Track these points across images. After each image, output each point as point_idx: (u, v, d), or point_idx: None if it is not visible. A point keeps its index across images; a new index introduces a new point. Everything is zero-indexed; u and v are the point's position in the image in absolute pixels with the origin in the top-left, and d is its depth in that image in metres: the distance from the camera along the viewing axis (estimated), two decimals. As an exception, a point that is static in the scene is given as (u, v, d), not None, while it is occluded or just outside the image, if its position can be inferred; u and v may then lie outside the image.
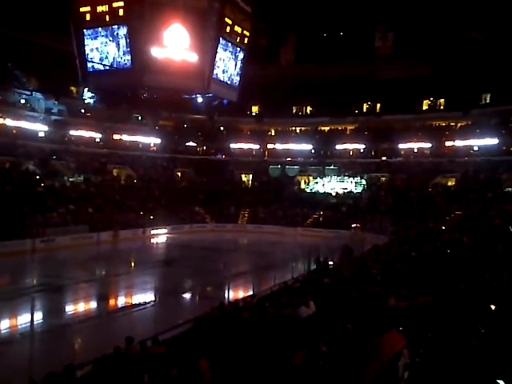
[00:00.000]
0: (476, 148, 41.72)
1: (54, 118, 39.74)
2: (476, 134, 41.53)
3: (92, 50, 29.01)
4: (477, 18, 40.78)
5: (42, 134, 39.07)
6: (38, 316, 15.68)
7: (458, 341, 5.50)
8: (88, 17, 26.60)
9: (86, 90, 38.79)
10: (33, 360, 10.47)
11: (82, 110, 42.56)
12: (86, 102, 41.64)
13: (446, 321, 6.32)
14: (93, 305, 17.87)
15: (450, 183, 40.87)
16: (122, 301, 18.45)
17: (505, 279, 8.45)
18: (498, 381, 4.30)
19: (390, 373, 5.04)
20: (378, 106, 47.86)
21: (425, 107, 46.23)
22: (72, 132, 41.21)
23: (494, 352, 5.06)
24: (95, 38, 28.51)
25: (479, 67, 39.64)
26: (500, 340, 5.42)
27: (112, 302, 18.33)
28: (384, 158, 45.70)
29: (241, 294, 17.10)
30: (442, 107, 45.50)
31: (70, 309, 17.12)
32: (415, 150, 45.30)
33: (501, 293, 7.43)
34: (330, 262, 18.32)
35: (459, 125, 44.74)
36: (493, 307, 6.65)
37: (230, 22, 31.51)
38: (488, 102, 42.32)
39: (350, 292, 9.51)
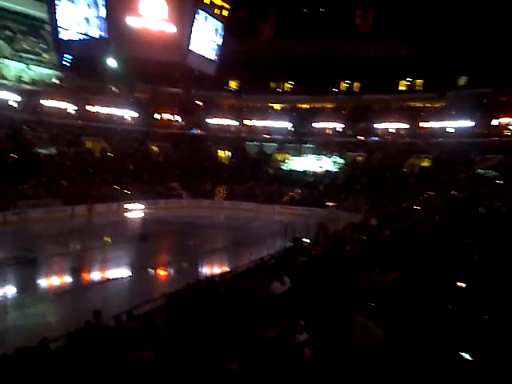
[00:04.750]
0: (451, 130, 42.41)
1: (25, 86, 38.41)
2: (451, 115, 42.15)
3: (66, 17, 28.08)
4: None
5: (12, 104, 37.86)
6: (11, 289, 15.55)
7: (427, 318, 5.68)
8: (62, -17, 25.66)
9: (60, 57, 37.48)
10: (6, 334, 10.39)
11: (55, 80, 41.27)
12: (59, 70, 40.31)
13: (415, 297, 6.50)
14: (67, 278, 17.70)
15: (424, 164, 41.57)
16: (96, 275, 18.31)
17: (475, 258, 8.69)
18: (463, 354, 4.47)
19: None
20: (356, 85, 47.94)
21: (402, 88, 46.55)
22: (44, 102, 40.03)
23: (460, 327, 5.25)
24: (69, 5, 27.57)
25: (456, 49, 40.03)
26: (467, 316, 5.61)
27: (86, 275, 18.18)
28: (361, 138, 46.03)
29: (217, 270, 17.21)
30: (418, 88, 45.89)
31: (43, 282, 16.96)
32: (391, 130, 45.76)
33: (470, 271, 7.65)
34: (306, 240, 18.53)
35: (435, 106, 45.29)
36: (462, 285, 6.85)
37: (209, -7, 30.92)
38: (464, 84, 42.88)
39: (324, 269, 9.65)
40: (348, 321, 5.25)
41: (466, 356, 4.51)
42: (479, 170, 34.30)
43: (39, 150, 35.91)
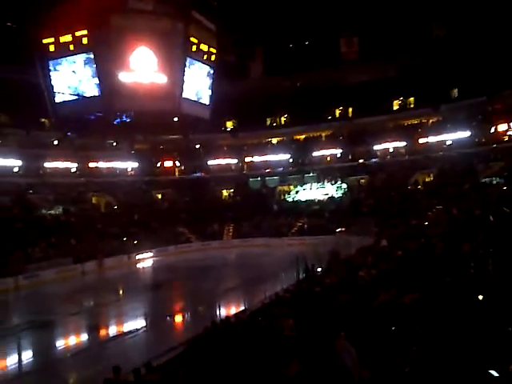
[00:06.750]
0: (450, 142, 42.53)
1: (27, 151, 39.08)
2: (448, 128, 42.36)
3: (59, 80, 28.86)
4: (437, 15, 42.01)
5: (16, 169, 38.52)
6: (28, 354, 15.34)
7: (449, 334, 5.56)
8: (52, 48, 26.52)
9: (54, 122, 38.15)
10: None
11: (55, 142, 42.05)
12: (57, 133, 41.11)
13: (435, 316, 6.37)
14: (83, 337, 17.51)
15: (427, 179, 41.49)
16: (113, 330, 18.13)
17: (489, 268, 8.55)
18: (491, 371, 4.34)
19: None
20: (350, 110, 48.47)
21: (395, 107, 47.02)
22: (47, 164, 40.69)
23: (486, 342, 5.11)
24: (61, 68, 28.39)
25: (444, 63, 40.66)
26: (490, 329, 5.47)
27: (103, 332, 17.98)
28: (361, 161, 46.17)
29: (233, 310, 16.97)
30: (412, 106, 46.35)
31: (60, 344, 16.74)
32: (391, 150, 45.92)
33: (487, 282, 7.52)
34: (319, 269, 18.34)
35: (430, 121, 45.58)
36: (480, 297, 6.73)
37: (195, 40, 31.80)
38: (456, 96, 43.25)
39: (340, 297, 9.51)
40: (334, 346, 5.93)
41: (494, 373, 4.39)
42: (484, 179, 34.18)
43: (45, 212, 36.22)
